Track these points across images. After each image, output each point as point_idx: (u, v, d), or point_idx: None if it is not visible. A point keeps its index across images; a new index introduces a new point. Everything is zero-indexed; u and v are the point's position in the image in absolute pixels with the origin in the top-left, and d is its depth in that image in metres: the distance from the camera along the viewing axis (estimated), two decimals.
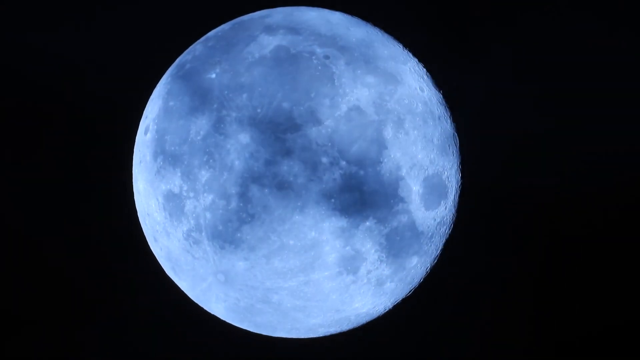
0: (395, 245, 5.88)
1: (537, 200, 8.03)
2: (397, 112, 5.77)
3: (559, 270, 8.10)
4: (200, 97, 5.79)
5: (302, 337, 6.66)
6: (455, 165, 6.32)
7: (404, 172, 5.73)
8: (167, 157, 5.87)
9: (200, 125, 5.69)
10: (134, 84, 7.49)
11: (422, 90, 6.07)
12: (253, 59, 5.76)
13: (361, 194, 5.58)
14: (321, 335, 6.68)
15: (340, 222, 5.60)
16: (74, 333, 8.13)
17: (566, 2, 7.95)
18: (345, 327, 6.55)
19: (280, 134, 5.49)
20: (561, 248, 8.10)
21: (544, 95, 8.01)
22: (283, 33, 5.89)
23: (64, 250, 8.10)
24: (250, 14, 6.39)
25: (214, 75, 5.83)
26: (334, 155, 5.50)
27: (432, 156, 5.97)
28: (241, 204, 5.56)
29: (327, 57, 5.76)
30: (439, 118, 6.13)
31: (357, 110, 5.61)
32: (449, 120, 6.30)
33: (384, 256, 5.86)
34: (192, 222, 5.78)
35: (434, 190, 6.03)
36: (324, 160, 5.49)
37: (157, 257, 6.58)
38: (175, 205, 5.85)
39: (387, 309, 6.61)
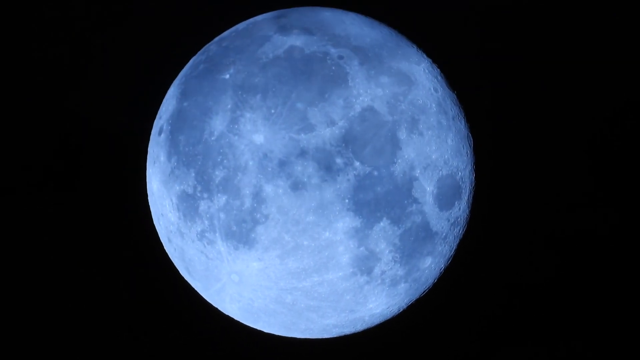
0: (409, 246, 5.87)
1: (552, 201, 8.00)
2: (411, 113, 5.76)
3: (574, 270, 8.07)
4: (214, 98, 5.79)
5: (316, 337, 6.65)
6: (470, 165, 6.30)
7: (417, 172, 5.72)
8: (181, 157, 5.87)
9: (214, 125, 5.70)
10: (148, 84, 7.51)
11: (436, 91, 6.06)
12: (267, 59, 5.76)
13: (375, 195, 5.58)
14: (335, 336, 6.67)
15: (354, 222, 5.59)
16: (85, 333, 8.16)
17: (579, 3, 7.93)
18: (359, 327, 6.54)
19: (294, 134, 5.49)
20: (573, 248, 8.08)
21: (558, 96, 7.99)
22: (297, 33, 5.89)
23: (75, 250, 8.13)
24: (264, 14, 6.39)
25: (227, 76, 5.83)
26: (348, 156, 5.49)
27: (446, 157, 5.95)
28: (255, 205, 5.56)
29: (341, 57, 5.75)
30: (453, 118, 6.12)
31: (371, 110, 5.60)
32: (463, 121, 6.29)
33: (398, 256, 5.85)
34: (206, 222, 5.79)
35: (448, 190, 6.01)
36: (338, 160, 5.49)
37: (170, 258, 6.59)
38: (189, 206, 5.86)
39: (401, 310, 6.60)
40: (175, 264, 6.58)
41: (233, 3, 7.40)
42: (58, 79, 8.05)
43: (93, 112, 8.04)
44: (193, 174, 5.78)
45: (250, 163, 5.54)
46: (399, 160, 5.63)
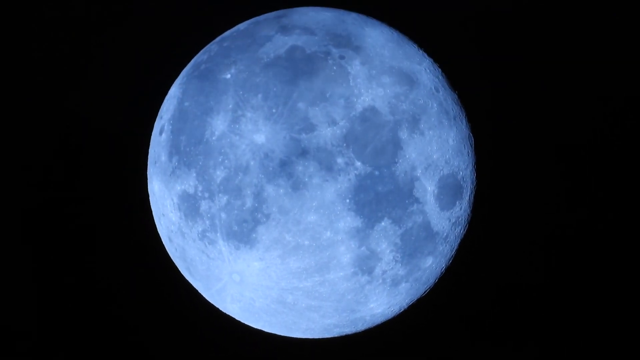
0: (410, 246, 5.87)
1: (552, 201, 8.01)
2: (412, 113, 5.76)
3: (573, 270, 8.08)
4: (215, 98, 5.80)
5: (317, 337, 6.65)
6: (471, 165, 6.31)
7: (419, 172, 5.73)
8: (182, 157, 5.87)
9: (216, 125, 5.70)
10: (148, 84, 7.51)
11: (437, 91, 6.06)
12: (268, 59, 5.76)
13: (376, 195, 5.58)
14: (336, 336, 6.67)
15: (356, 222, 5.59)
16: (86, 333, 8.15)
17: (579, 3, 7.94)
18: (360, 327, 6.54)
19: (295, 134, 5.49)
20: (573, 248, 8.08)
21: (558, 96, 7.99)
22: (298, 33, 5.89)
23: (76, 251, 8.12)
24: (266, 14, 6.39)
25: (229, 76, 5.83)
26: (349, 156, 5.49)
27: (447, 156, 5.96)
28: (256, 205, 5.56)
29: (342, 57, 5.76)
30: (454, 118, 6.12)
31: (373, 110, 5.61)
32: (464, 121, 6.29)
33: (399, 256, 5.86)
34: (207, 222, 5.79)
35: (449, 190, 6.02)
36: (339, 160, 5.49)
37: (172, 258, 6.59)
38: (190, 206, 5.86)
39: (402, 309, 6.60)
40: (176, 264, 6.58)
41: (233, 3, 7.40)
42: (58, 79, 8.05)
43: (93, 112, 8.04)
44: (194, 174, 5.78)
45: (252, 163, 5.54)
46: (400, 160, 5.64)
